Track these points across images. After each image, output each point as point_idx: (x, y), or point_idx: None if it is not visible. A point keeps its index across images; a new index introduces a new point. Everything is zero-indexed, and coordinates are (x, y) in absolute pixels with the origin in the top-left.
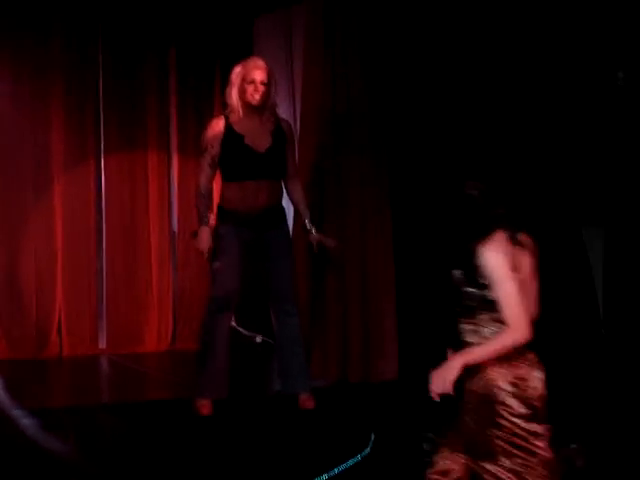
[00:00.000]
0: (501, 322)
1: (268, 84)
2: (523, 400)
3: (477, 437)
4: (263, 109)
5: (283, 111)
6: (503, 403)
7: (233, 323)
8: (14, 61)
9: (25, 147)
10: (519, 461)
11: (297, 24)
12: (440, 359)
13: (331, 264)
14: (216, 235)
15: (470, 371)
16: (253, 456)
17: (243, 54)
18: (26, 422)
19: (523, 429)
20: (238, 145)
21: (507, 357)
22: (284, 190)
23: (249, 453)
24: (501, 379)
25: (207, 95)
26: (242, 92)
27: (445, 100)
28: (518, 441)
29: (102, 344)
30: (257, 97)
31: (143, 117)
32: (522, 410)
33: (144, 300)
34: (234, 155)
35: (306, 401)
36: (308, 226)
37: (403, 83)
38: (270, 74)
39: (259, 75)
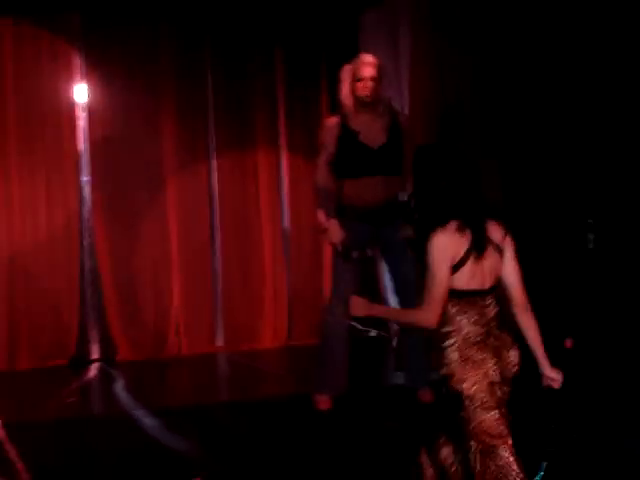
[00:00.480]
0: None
1: (378, 79)
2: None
3: None
4: (375, 104)
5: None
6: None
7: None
8: (124, 63)
9: (137, 150)
10: None
11: (403, 18)
12: (559, 352)
13: None
14: None
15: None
16: (374, 450)
17: (349, 50)
18: (148, 422)
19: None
20: (352, 142)
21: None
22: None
23: (370, 447)
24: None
25: (314, 92)
26: (353, 89)
27: (556, 94)
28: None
29: (219, 342)
30: (367, 93)
31: (252, 116)
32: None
33: (259, 297)
34: (349, 152)
35: (425, 394)
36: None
37: (513, 76)
38: (380, 69)
39: (368, 71)
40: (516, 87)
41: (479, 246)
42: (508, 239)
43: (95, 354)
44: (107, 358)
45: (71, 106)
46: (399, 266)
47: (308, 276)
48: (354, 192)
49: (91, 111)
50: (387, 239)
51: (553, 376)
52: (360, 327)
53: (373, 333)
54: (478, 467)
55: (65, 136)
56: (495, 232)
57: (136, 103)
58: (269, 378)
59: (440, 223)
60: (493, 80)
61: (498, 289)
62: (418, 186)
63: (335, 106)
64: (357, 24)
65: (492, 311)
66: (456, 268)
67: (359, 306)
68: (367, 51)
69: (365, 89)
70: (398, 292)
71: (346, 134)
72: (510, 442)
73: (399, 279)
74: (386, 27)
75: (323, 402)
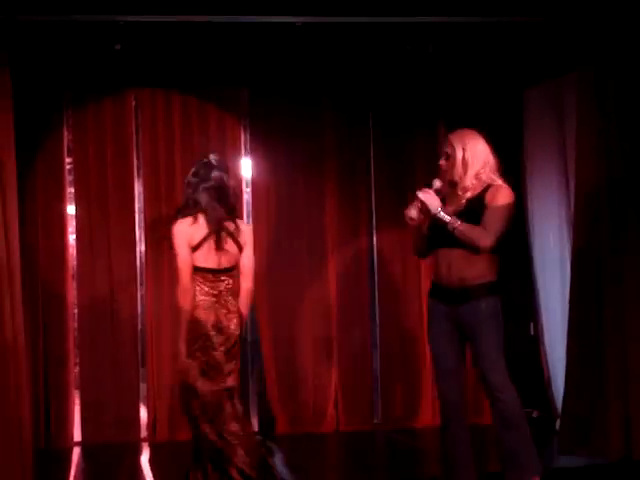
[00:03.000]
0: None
1: (454, 156)
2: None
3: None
4: (456, 179)
5: (554, 182)
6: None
7: None
8: (288, 138)
9: (299, 224)
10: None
11: (567, 94)
12: None
13: (611, 338)
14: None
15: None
16: None
17: (512, 125)
18: None
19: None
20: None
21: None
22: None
23: None
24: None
25: None
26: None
27: None
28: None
29: (377, 419)
30: (444, 170)
31: (412, 193)
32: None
33: (418, 374)
34: (430, 225)
35: None
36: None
37: None
38: (456, 143)
39: (444, 148)
40: None
41: (216, 236)
42: (249, 241)
43: (254, 427)
44: (266, 431)
45: (236, 181)
46: (475, 352)
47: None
48: (435, 267)
49: (255, 185)
50: (463, 320)
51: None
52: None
53: (535, 414)
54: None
55: None
56: (239, 232)
57: (298, 178)
58: (427, 458)
59: (181, 217)
60: None
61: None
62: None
63: None
64: (521, 99)
65: (223, 285)
66: (194, 249)
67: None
68: (531, 127)
69: (440, 165)
70: (475, 365)
71: None
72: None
73: (478, 366)
74: (551, 103)
75: None
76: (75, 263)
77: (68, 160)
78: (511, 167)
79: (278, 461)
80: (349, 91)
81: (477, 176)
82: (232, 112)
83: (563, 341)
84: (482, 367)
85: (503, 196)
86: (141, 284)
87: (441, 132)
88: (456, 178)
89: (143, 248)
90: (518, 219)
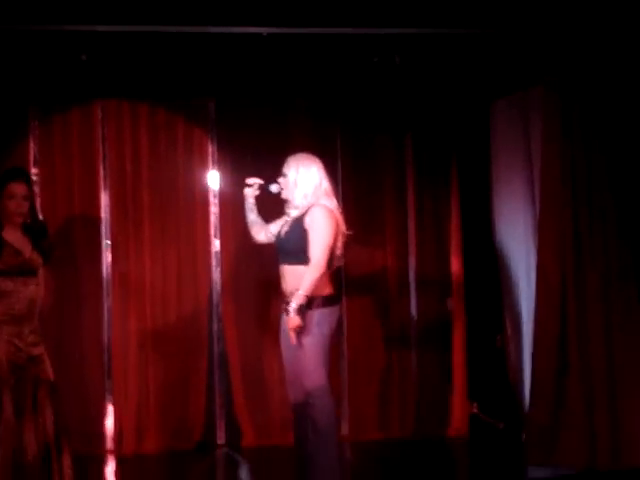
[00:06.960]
0: None
1: (287, 175)
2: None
3: None
4: (288, 197)
5: (520, 194)
6: None
7: (475, 410)
8: (255, 147)
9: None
10: None
11: (534, 106)
12: None
13: (575, 349)
14: None
15: None
16: None
17: (480, 137)
18: None
19: None
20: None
21: None
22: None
23: None
24: None
25: (444, 183)
26: None
27: None
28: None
29: (344, 430)
30: (282, 188)
31: (381, 216)
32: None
33: (385, 384)
34: (275, 243)
35: None
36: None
37: None
38: (292, 164)
39: (283, 167)
40: None
41: None
42: None
43: (221, 439)
44: (233, 443)
45: (204, 193)
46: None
47: (436, 360)
48: None
49: (222, 197)
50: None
51: None
52: (487, 419)
53: (501, 426)
54: None
55: (197, 222)
56: None
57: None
58: (396, 470)
59: None
60: (630, 173)
61: None
62: None
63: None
64: (488, 111)
65: None
66: None
67: None
68: (498, 139)
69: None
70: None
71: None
72: None
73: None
74: (518, 115)
75: None
76: None
77: (34, 171)
78: (478, 178)
79: (244, 474)
80: (317, 103)
81: (305, 197)
82: (200, 123)
83: (530, 353)
84: (300, 373)
85: (318, 217)
86: (107, 295)
87: (409, 145)
88: (288, 196)
89: (110, 259)
90: (485, 229)
